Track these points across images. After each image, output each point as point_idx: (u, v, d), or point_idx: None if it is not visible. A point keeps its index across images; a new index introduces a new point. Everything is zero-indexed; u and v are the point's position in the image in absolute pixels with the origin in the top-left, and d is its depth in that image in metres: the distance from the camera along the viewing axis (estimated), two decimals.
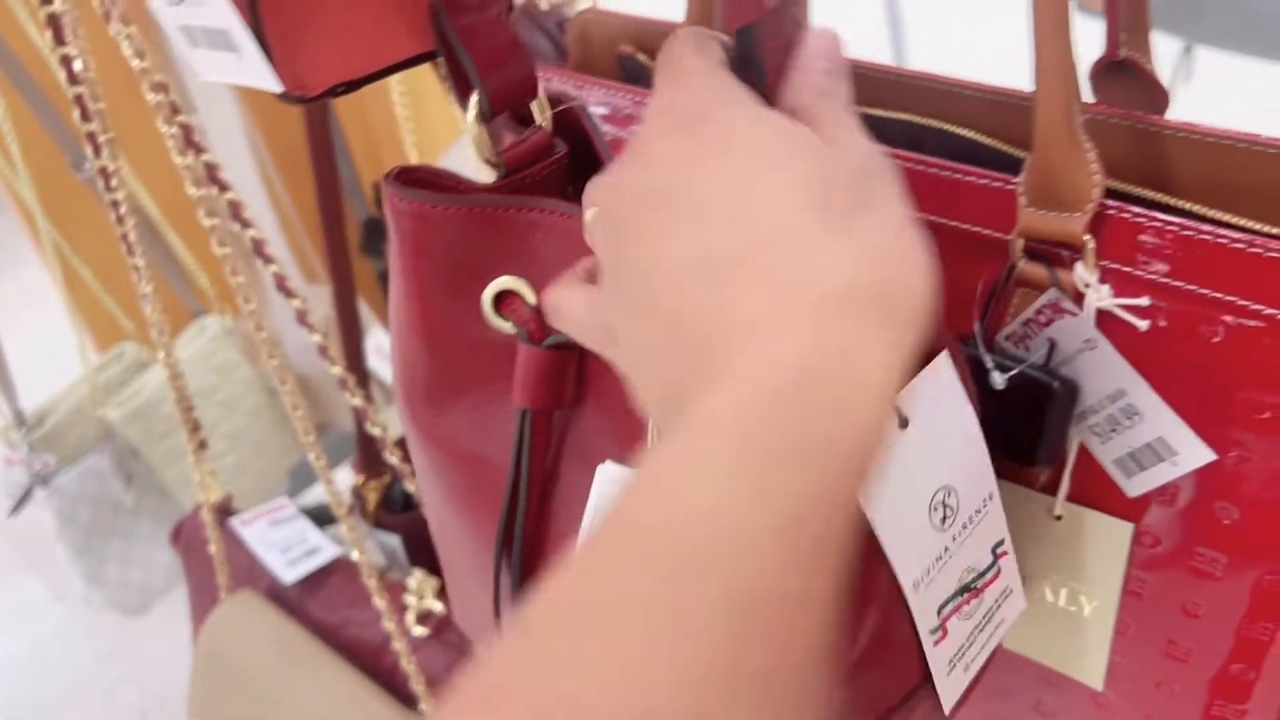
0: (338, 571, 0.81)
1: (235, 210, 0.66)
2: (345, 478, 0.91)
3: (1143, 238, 0.38)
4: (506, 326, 0.39)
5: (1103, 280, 0.39)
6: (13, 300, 1.79)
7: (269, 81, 0.35)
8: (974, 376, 0.40)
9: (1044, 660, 0.45)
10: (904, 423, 0.34)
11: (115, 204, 0.67)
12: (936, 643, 0.37)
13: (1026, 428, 0.39)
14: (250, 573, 0.82)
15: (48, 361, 1.18)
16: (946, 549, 0.36)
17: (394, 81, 0.95)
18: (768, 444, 0.22)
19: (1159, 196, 0.40)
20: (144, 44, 0.59)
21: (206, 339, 1.15)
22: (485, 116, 0.37)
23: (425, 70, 0.49)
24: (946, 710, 0.38)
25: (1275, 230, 0.37)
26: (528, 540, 0.41)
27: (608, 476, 0.37)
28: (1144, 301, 0.38)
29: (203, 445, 0.78)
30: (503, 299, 0.39)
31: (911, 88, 0.48)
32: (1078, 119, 0.38)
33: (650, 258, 0.27)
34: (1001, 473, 0.44)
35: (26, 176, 1.03)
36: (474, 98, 0.37)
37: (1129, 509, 0.40)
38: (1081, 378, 0.39)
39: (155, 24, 0.88)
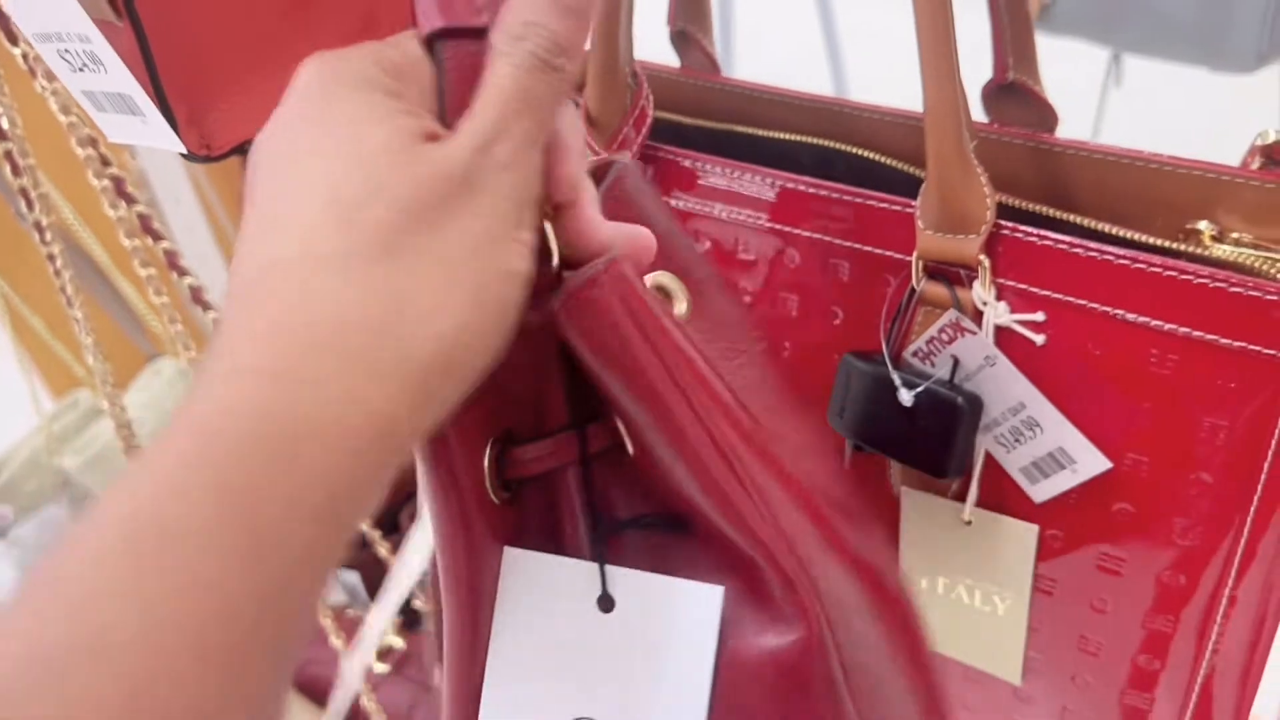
0: None
1: (171, 259, 0.66)
2: None
3: (1034, 256, 0.39)
4: None
5: (1000, 297, 0.40)
6: None
7: (173, 143, 0.36)
8: (883, 394, 0.42)
9: (965, 659, 0.47)
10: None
11: (51, 257, 0.67)
12: None
13: (934, 441, 0.41)
14: None
15: (0, 411, 1.18)
16: None
17: None
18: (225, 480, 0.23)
19: (1053, 212, 0.42)
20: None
21: (162, 381, 1.15)
22: None
23: None
24: None
25: (1158, 242, 0.39)
26: None
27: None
28: (1039, 317, 0.39)
29: None
30: None
31: (824, 112, 0.49)
32: (968, 147, 0.39)
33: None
34: (913, 480, 0.45)
35: None
36: None
37: (1035, 513, 0.42)
38: (984, 393, 0.41)
39: None
